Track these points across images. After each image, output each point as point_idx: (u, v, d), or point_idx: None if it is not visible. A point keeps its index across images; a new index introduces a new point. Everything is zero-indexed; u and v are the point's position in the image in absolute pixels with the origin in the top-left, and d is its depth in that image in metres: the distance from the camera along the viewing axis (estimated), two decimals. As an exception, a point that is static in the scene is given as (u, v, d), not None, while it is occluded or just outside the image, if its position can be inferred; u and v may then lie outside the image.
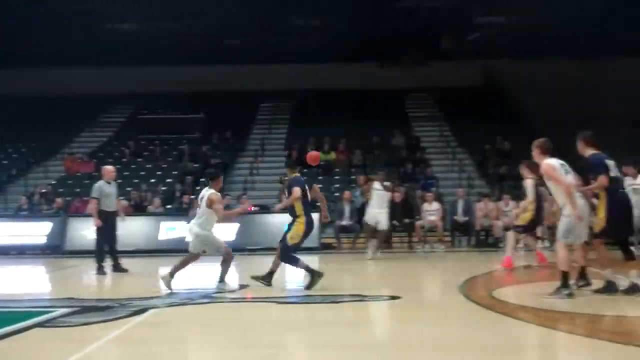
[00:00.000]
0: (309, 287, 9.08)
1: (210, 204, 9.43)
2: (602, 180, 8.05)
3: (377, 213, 14.25)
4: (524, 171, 11.66)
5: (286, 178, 9.86)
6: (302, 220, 9.36)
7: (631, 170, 14.94)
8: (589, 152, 8.39)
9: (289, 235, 9.38)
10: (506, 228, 14.85)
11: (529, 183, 11.58)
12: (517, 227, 12.14)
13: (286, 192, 9.62)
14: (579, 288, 8.36)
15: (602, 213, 8.15)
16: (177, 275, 9.52)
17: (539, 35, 22.91)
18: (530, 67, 25.94)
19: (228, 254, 9.71)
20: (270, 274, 9.51)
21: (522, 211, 12.09)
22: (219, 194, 9.77)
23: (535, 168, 9.53)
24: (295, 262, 9.35)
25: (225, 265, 9.72)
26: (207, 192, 9.61)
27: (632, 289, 7.98)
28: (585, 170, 8.58)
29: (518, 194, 18.52)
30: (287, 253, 9.36)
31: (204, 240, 9.60)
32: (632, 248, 12.94)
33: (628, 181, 12.27)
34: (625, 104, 25.68)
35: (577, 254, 8.40)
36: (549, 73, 25.66)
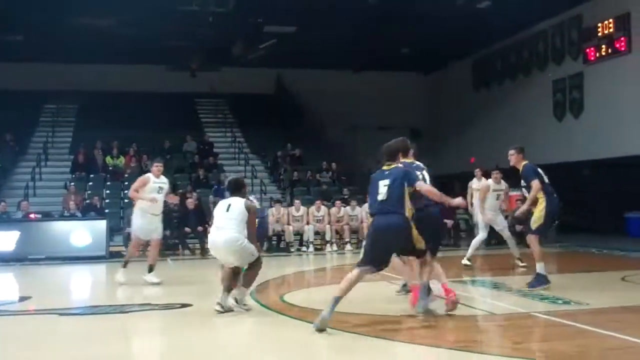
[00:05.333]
0: None
1: None
2: (537, 185, 8.98)
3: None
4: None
5: None
6: None
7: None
8: (523, 162, 9.27)
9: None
10: None
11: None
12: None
13: None
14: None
15: (539, 213, 9.07)
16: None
17: (324, 47, 23.94)
18: (317, 77, 26.99)
19: None
20: None
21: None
22: None
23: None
24: None
25: None
26: None
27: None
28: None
29: (311, 199, 19.14)
30: None
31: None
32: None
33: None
34: (404, 114, 27.70)
35: None
36: (332, 83, 26.89)
